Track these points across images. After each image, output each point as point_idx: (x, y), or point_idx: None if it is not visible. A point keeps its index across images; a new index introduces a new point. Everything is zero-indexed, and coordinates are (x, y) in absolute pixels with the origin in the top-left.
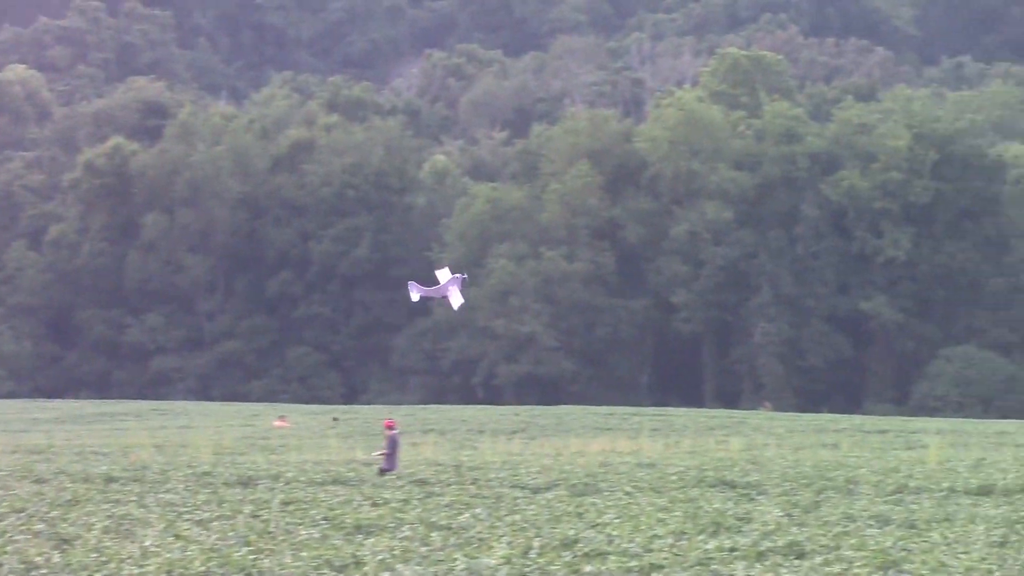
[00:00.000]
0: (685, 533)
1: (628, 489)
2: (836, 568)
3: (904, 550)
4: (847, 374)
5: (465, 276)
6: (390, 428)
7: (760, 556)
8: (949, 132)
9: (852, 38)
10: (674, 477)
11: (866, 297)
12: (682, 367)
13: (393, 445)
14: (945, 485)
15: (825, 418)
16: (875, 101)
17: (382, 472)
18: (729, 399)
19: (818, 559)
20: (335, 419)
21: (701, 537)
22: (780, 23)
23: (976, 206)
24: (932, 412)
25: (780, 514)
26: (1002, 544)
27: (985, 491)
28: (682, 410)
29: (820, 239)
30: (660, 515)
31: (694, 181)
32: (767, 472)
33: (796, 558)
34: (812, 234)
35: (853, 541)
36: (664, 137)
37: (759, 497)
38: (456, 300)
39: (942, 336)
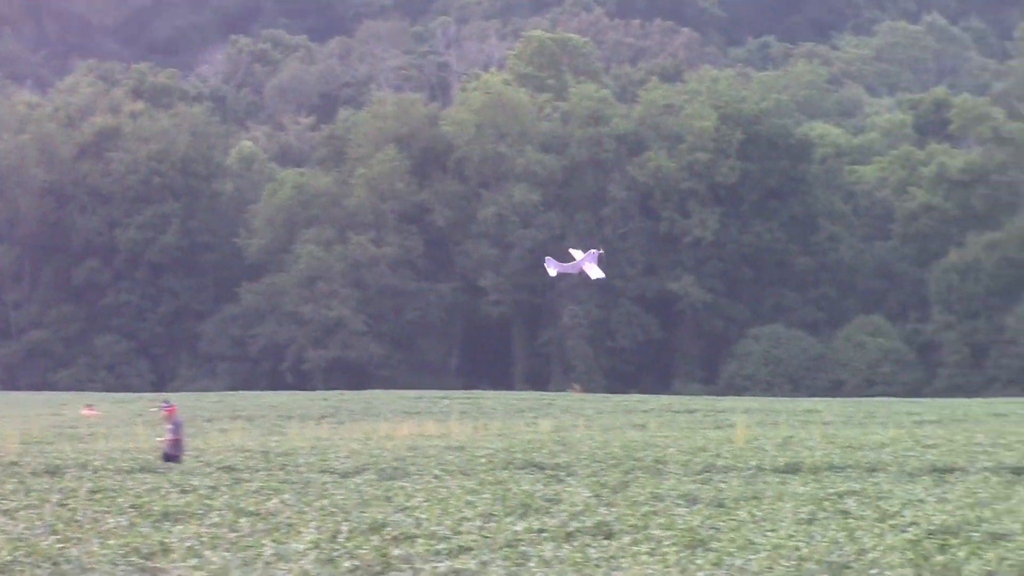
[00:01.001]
0: (494, 515)
1: (437, 472)
2: (644, 547)
3: (712, 528)
4: (656, 355)
5: (601, 251)
6: (170, 412)
7: (569, 536)
8: (755, 112)
9: (657, 19)
10: (483, 460)
11: (674, 278)
12: (491, 350)
13: (177, 429)
14: (753, 463)
15: (634, 399)
16: (681, 82)
17: (167, 458)
18: (538, 381)
19: (626, 539)
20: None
21: (510, 519)
22: (585, 5)
23: (783, 186)
24: (740, 391)
25: (589, 495)
26: (809, 521)
27: (792, 469)
28: (491, 393)
29: (628, 220)
30: (469, 498)
31: (501, 164)
32: (576, 453)
33: (604, 538)
34: (620, 215)
35: (661, 520)
36: (471, 120)
37: (568, 478)
38: (594, 272)
39: (750, 315)
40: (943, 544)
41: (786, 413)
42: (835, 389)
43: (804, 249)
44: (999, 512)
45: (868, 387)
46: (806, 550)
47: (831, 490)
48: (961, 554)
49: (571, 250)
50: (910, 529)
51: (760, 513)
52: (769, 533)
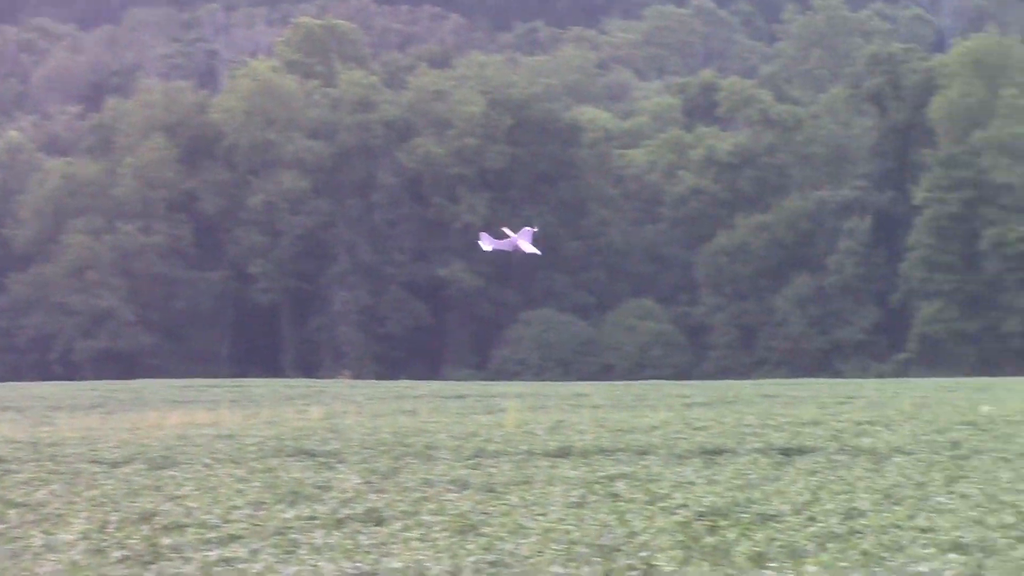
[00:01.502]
0: (264, 503)
1: (207, 461)
2: (415, 533)
3: (483, 513)
4: (427, 340)
5: (536, 229)
6: None
7: (339, 523)
8: (524, 97)
9: (426, 5)
10: (253, 448)
11: (444, 263)
12: (261, 337)
13: None
14: (523, 448)
15: (404, 384)
16: (449, 68)
17: None
18: (309, 368)
19: (397, 524)
20: None
21: (280, 506)
22: None
23: (552, 170)
24: (511, 376)
25: (359, 481)
26: (580, 505)
27: (563, 453)
28: (261, 380)
29: (397, 206)
30: (239, 486)
31: (270, 151)
32: (346, 440)
33: (375, 524)
34: (389, 201)
35: (432, 506)
36: (240, 108)
37: (338, 465)
38: (528, 248)
39: (521, 300)
40: (713, 525)
41: (557, 397)
42: (606, 372)
43: (574, 233)
44: (768, 493)
45: (638, 370)
46: (577, 533)
47: (601, 473)
48: (731, 535)
49: (504, 228)
50: (680, 511)
51: (531, 497)
52: (540, 517)
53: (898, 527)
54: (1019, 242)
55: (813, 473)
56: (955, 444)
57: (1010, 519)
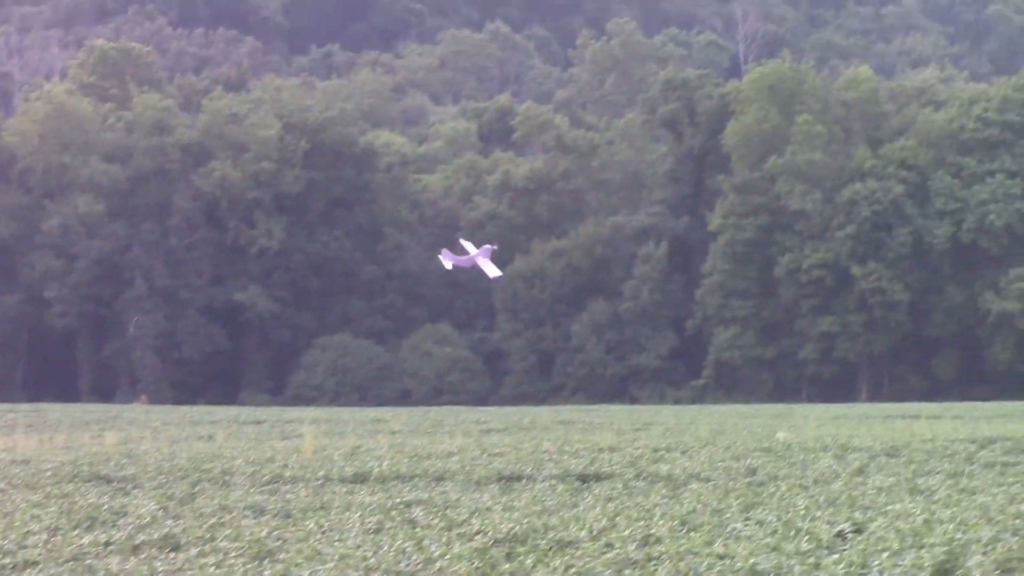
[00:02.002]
0: (59, 528)
1: (2, 486)
2: (211, 559)
3: (280, 539)
4: (224, 365)
5: (495, 247)
6: None
7: (135, 549)
8: (319, 121)
9: (221, 28)
10: (48, 473)
11: (241, 288)
12: (57, 362)
13: None
14: (321, 474)
15: (201, 410)
16: (245, 91)
17: None
18: (106, 393)
19: (193, 551)
20: None
21: (76, 532)
22: (148, 14)
23: (348, 195)
24: (309, 401)
25: (155, 507)
26: (377, 530)
27: (360, 478)
28: (58, 406)
29: (194, 231)
30: (34, 511)
31: (66, 174)
32: (142, 466)
33: (171, 550)
34: (186, 226)
35: (228, 532)
36: (34, 131)
37: (134, 491)
38: (492, 271)
39: (318, 325)
40: (510, 552)
41: (354, 423)
42: (403, 398)
43: (370, 258)
44: (566, 519)
45: (436, 396)
46: (373, 560)
47: (399, 499)
48: (528, 562)
49: (462, 241)
50: (477, 537)
51: (328, 523)
52: (337, 543)
53: (695, 553)
54: (814, 268)
55: (610, 499)
56: (752, 471)
57: (806, 546)
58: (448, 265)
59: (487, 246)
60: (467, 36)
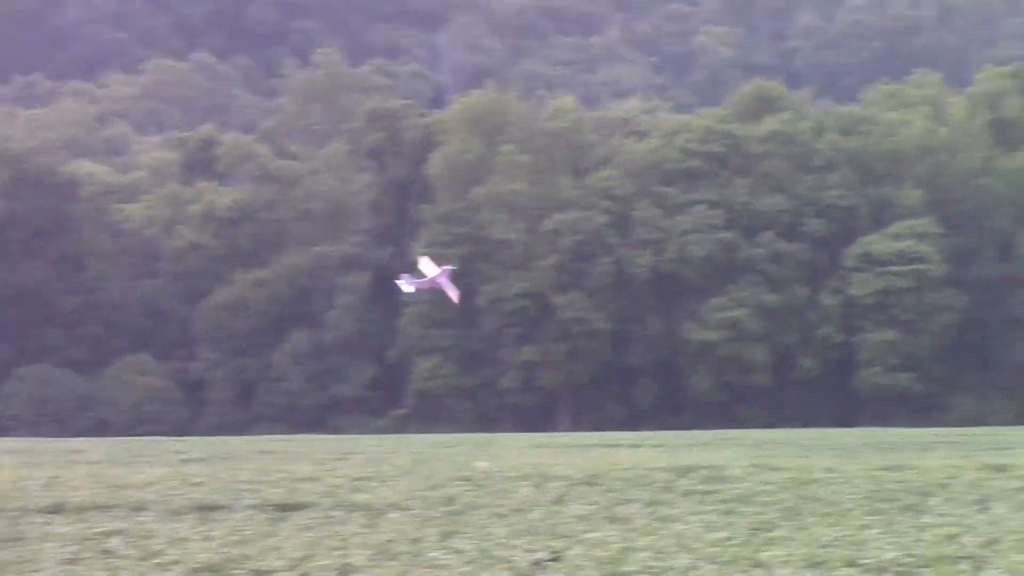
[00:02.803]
0: None
1: None
2: None
3: None
4: None
5: (454, 268)
6: None
7: None
8: (21, 151)
9: None
10: None
11: None
12: None
13: None
14: (18, 504)
15: None
16: None
17: None
18: None
19: None
20: None
21: None
22: None
23: (50, 225)
24: (6, 431)
25: None
26: (74, 561)
27: (57, 509)
28: None
29: None
30: None
31: None
32: None
33: None
34: None
35: None
36: None
37: None
38: (454, 294)
39: (17, 355)
40: None
41: (51, 453)
42: (102, 428)
43: (71, 288)
44: (264, 549)
45: (135, 426)
46: None
47: (96, 529)
48: None
49: (421, 262)
50: (174, 567)
51: (24, 554)
52: (32, 574)
53: None
54: (516, 298)
55: (308, 529)
56: (450, 499)
57: (504, 574)
58: (409, 288)
59: (447, 267)
60: (171, 66)
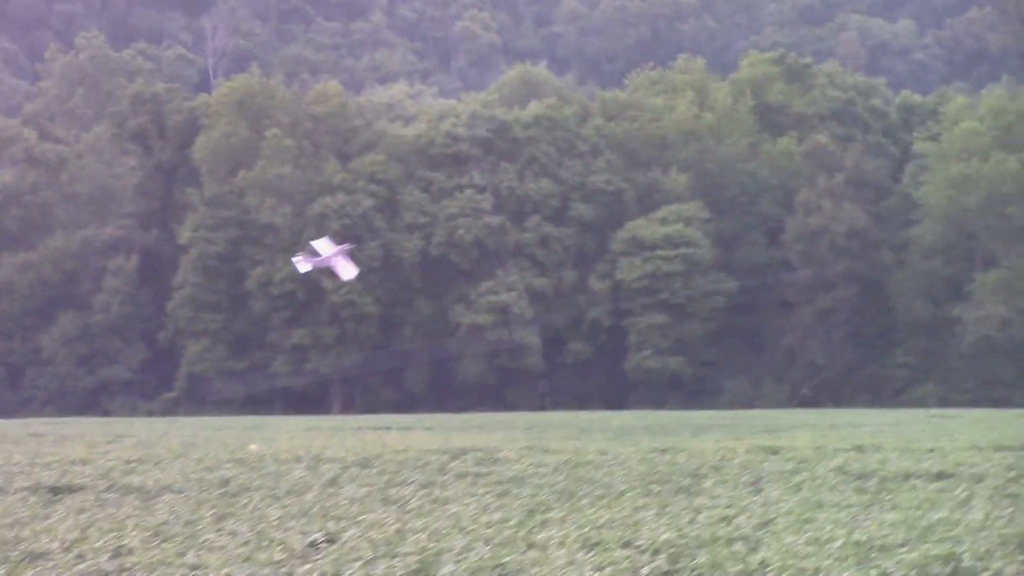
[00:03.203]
0: None
1: None
2: None
3: None
4: None
5: (351, 245)
6: None
7: None
8: None
9: None
10: None
11: None
12: None
13: None
14: None
15: None
16: None
17: None
18: None
19: None
20: None
21: None
22: None
23: None
24: None
25: None
26: None
27: None
28: None
29: None
30: None
31: None
32: None
33: None
34: None
35: None
36: None
37: None
38: (347, 272)
39: None
40: None
41: None
42: None
43: None
44: (38, 531)
45: None
46: None
47: None
48: (1, 572)
49: (314, 243)
50: None
51: None
52: None
53: (167, 564)
54: (284, 282)
55: (82, 511)
56: (224, 482)
57: (279, 555)
58: (307, 267)
59: (345, 245)
60: None
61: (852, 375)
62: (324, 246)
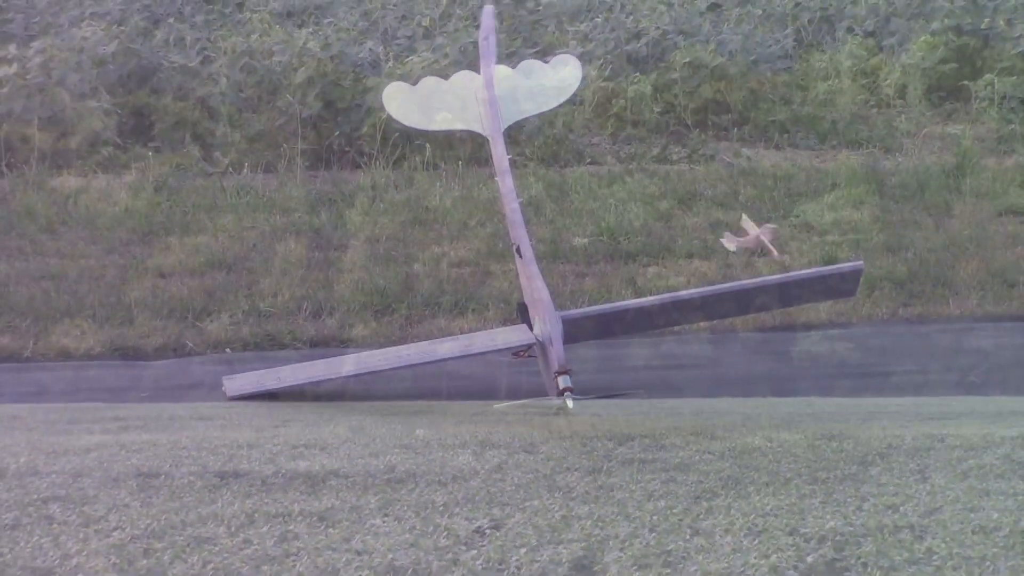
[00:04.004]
0: None
1: None
2: None
3: None
4: None
5: (775, 227)
6: None
7: None
8: None
9: None
10: None
11: None
12: None
13: None
14: None
15: None
16: None
17: None
18: None
19: None
20: None
21: None
22: None
23: None
24: None
25: None
26: (14, 527)
27: None
28: None
29: None
30: None
31: None
32: None
33: None
34: None
35: None
36: None
37: None
38: (776, 251)
39: None
40: (147, 548)
41: None
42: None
43: None
44: (203, 516)
45: (73, 393)
46: (9, 556)
47: (35, 496)
48: (166, 558)
49: (743, 219)
50: (114, 534)
51: None
52: None
53: (333, 549)
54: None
55: (248, 496)
56: (391, 468)
57: (444, 541)
58: (732, 247)
59: (769, 225)
60: None
61: (1021, 362)
62: (749, 225)
